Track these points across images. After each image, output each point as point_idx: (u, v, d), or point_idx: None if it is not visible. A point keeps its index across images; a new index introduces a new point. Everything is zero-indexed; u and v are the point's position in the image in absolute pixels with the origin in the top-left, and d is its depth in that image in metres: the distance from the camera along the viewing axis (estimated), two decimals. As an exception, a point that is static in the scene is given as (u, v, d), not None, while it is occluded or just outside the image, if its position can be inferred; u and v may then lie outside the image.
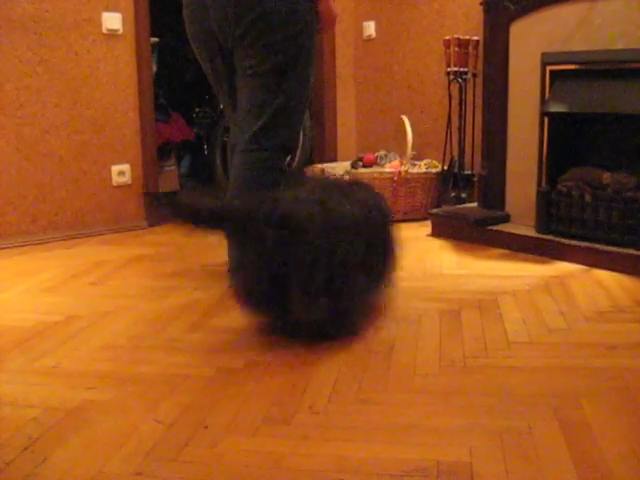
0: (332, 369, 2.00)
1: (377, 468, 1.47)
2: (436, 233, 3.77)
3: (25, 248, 3.65)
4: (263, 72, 2.67)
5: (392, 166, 4.21)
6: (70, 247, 3.68)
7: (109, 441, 1.61)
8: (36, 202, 3.79)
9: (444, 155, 4.22)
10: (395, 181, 4.08)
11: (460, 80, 4.06)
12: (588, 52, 3.08)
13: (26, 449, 1.57)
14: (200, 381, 1.94)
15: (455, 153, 4.20)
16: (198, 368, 2.03)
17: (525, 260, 3.18)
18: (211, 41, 2.74)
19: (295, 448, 1.56)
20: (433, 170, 4.24)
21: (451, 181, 4.17)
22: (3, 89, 3.62)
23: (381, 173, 4.13)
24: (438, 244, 3.57)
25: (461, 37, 4.00)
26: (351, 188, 2.42)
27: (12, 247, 3.65)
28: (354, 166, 4.35)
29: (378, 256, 2.36)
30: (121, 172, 4.05)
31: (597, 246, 3.03)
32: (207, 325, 2.42)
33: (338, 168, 4.36)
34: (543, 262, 3.13)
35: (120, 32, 3.92)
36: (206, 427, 1.67)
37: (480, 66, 3.90)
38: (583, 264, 3.05)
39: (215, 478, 1.44)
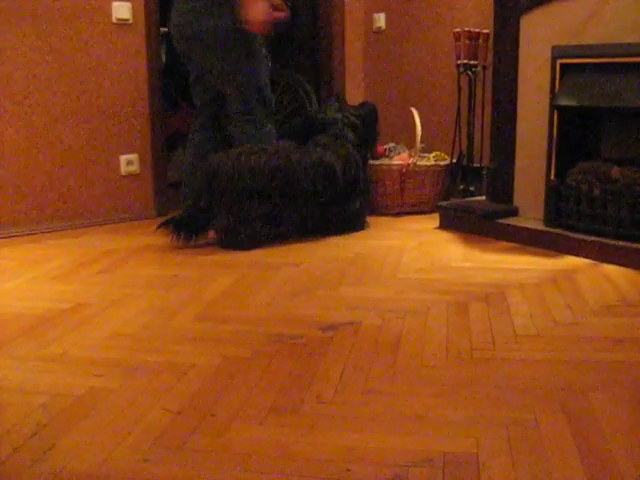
0: (339, 359, 2.00)
1: (383, 458, 1.47)
2: (444, 226, 3.76)
3: (33, 236, 3.66)
4: None
5: (401, 158, 4.20)
6: (78, 236, 3.69)
7: (117, 428, 1.62)
8: (44, 191, 3.80)
9: (453, 148, 4.22)
10: (403, 173, 4.08)
11: (470, 73, 4.05)
12: (599, 45, 3.07)
13: (34, 435, 1.58)
14: (207, 370, 1.95)
15: (464, 146, 4.19)
16: (205, 357, 2.04)
17: (533, 253, 3.17)
18: None
19: (302, 437, 1.56)
20: (442, 163, 4.23)
21: (459, 174, 4.17)
22: (12, 77, 3.62)
23: (389, 165, 4.13)
24: (446, 237, 3.57)
25: (471, 29, 3.98)
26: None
27: (21, 235, 3.66)
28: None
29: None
30: (130, 161, 4.05)
31: (605, 240, 3.02)
32: (214, 314, 2.43)
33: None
34: (551, 256, 3.13)
35: (130, 22, 3.92)
36: (213, 415, 1.68)
37: (490, 59, 3.88)
38: (591, 258, 3.04)
39: (222, 466, 1.45)
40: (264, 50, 3.75)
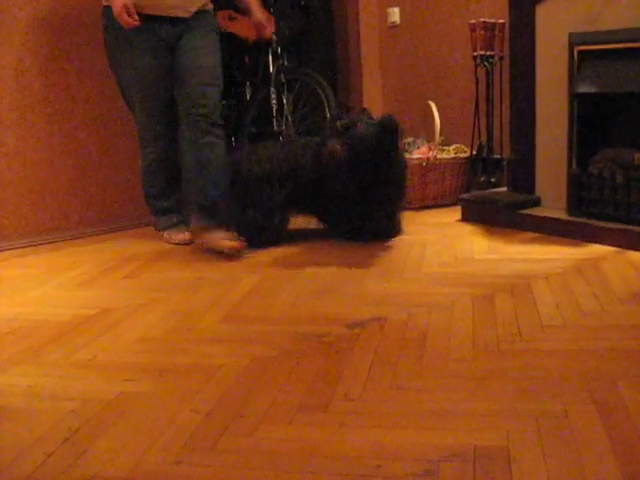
0: (366, 356, 2.00)
1: (414, 454, 1.47)
2: (466, 218, 3.75)
3: (58, 244, 3.70)
4: None
5: (420, 152, 4.20)
6: (102, 242, 3.72)
7: (147, 431, 1.63)
8: (67, 198, 3.83)
9: (472, 140, 4.20)
10: (424, 167, 4.07)
11: (487, 64, 4.03)
12: (616, 31, 3.04)
13: (66, 441, 1.60)
14: (235, 371, 1.95)
15: (483, 137, 4.17)
16: (233, 358, 2.05)
17: (557, 243, 3.15)
18: None
19: (331, 435, 1.57)
20: (462, 155, 4.22)
21: (480, 165, 4.15)
22: (31, 87, 3.65)
23: (409, 159, 4.11)
24: (468, 229, 3.56)
25: (487, 20, 3.96)
26: None
27: (45, 243, 3.69)
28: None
29: None
30: (150, 166, 4.07)
31: (630, 227, 3.00)
32: (240, 315, 2.43)
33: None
34: (575, 245, 3.10)
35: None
36: (242, 416, 1.68)
37: (507, 49, 3.86)
38: (616, 246, 3.02)
39: (252, 466, 1.46)
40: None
